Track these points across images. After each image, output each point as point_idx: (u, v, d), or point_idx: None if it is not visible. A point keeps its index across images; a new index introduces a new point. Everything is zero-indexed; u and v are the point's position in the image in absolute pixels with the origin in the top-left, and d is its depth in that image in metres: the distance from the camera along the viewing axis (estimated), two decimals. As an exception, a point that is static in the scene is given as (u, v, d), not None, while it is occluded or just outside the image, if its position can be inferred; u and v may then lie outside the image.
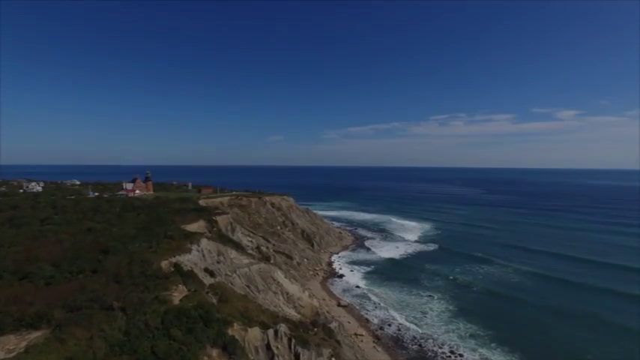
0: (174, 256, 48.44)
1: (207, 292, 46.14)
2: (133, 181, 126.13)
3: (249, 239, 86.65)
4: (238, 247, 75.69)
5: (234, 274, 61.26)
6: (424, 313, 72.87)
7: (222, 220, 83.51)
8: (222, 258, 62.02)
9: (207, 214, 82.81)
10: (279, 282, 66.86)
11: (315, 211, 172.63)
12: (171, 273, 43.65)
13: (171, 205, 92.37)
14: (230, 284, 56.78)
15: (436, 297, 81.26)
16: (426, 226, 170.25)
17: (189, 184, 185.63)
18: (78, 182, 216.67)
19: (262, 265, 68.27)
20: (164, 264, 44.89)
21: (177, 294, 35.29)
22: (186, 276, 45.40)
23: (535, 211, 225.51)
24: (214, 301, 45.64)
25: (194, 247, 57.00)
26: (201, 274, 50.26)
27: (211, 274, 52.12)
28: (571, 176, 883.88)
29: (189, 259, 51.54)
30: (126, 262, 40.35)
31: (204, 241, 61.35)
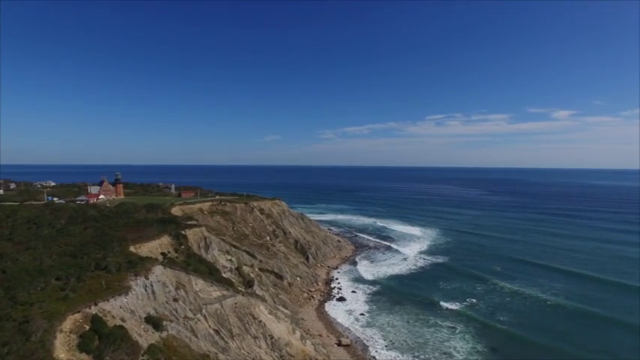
0: (95, 304, 32.33)
1: (140, 363, 30.16)
2: (100, 183, 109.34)
3: (228, 258, 70.58)
4: (212, 270, 59.60)
5: (199, 315, 45.21)
6: (448, 354, 57.24)
7: (194, 235, 67.32)
8: (182, 293, 45.92)
9: (176, 226, 66.59)
10: (260, 321, 50.88)
11: (310, 216, 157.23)
12: (78, 339, 27.64)
13: (134, 214, 76.18)
14: (190, 332, 40.78)
15: (459, 329, 65.70)
16: (432, 234, 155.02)
17: (172, 187, 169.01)
18: (53, 183, 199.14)
19: (239, 297, 52.22)
20: (70, 322, 28.81)
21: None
22: (108, 338, 29.35)
23: (545, 215, 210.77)
24: (151, 377, 29.74)
25: (139, 281, 40.90)
26: (139, 328, 34.19)
27: (156, 324, 35.97)
28: (569, 176, 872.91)
29: (123, 305, 35.44)
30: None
31: (157, 270, 45.23)
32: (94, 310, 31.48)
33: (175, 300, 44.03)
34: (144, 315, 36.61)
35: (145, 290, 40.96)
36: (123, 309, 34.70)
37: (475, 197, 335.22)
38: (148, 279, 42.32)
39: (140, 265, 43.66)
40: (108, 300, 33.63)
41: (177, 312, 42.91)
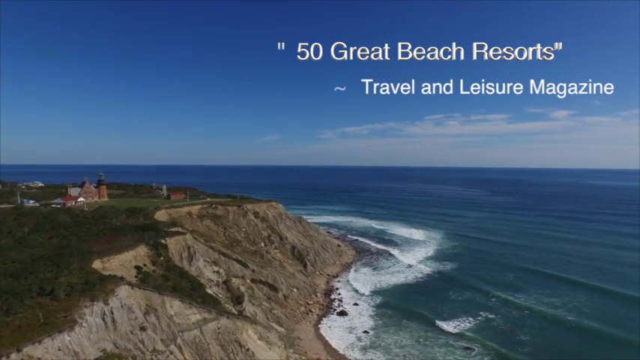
0: (19, 349, 24.54)
1: None
2: (81, 184, 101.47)
3: (215, 269, 62.82)
4: (195, 285, 51.90)
5: (172, 346, 37.43)
6: (466, 384, 49.76)
7: (175, 244, 59.57)
8: (153, 318, 38.13)
9: (155, 234, 58.79)
10: (248, 349, 43.16)
11: (309, 218, 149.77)
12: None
13: (112, 219, 68.34)
14: (158, 371, 33.03)
15: (475, 350, 58.23)
16: (436, 237, 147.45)
17: (164, 187, 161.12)
18: (40, 184, 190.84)
19: (224, 321, 44.45)
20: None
21: None
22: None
23: (551, 218, 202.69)
24: None
25: (95, 308, 33.11)
26: (83, 377, 26.37)
27: (110, 369, 28.26)
28: (570, 176, 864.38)
29: (64, 345, 27.60)
30: None
31: (122, 292, 37.44)
32: (15, 358, 23.71)
33: (143, 329, 36.26)
34: (94, 356, 28.84)
35: (103, 320, 33.17)
36: (62, 351, 26.91)
37: (477, 198, 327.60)
38: (107, 304, 34.53)
39: (99, 287, 35.86)
40: (40, 341, 25.83)
41: (144, 344, 35.18)
